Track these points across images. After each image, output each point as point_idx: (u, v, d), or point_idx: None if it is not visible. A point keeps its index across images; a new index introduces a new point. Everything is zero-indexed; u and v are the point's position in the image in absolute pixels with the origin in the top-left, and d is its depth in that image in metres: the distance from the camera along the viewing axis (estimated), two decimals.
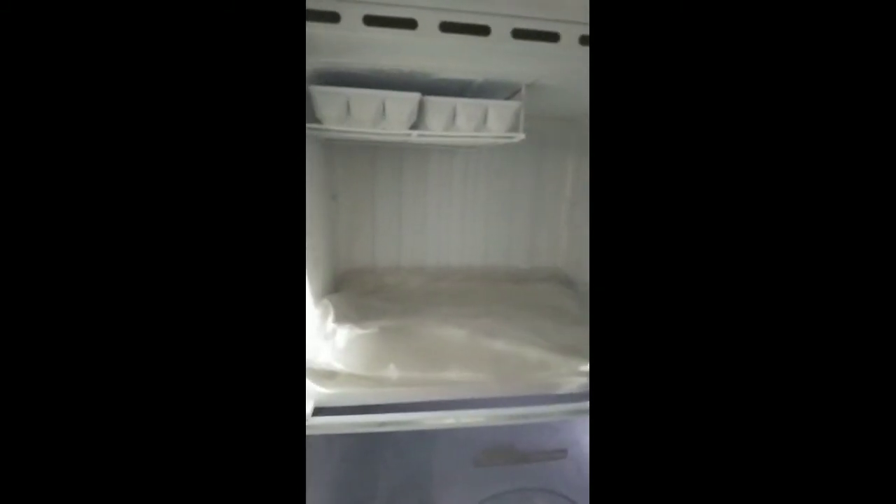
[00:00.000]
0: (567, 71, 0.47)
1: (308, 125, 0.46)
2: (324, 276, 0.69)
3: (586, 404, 0.51)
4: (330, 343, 0.50)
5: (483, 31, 0.39)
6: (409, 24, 0.37)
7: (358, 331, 0.55)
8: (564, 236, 0.86)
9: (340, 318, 0.58)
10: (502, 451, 0.49)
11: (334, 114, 0.46)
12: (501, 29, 0.39)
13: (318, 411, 0.46)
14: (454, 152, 0.80)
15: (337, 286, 0.77)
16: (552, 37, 0.40)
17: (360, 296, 0.72)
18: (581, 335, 0.59)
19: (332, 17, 0.37)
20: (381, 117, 0.47)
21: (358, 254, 0.82)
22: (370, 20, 0.37)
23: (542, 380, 0.51)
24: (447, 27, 0.38)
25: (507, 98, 0.53)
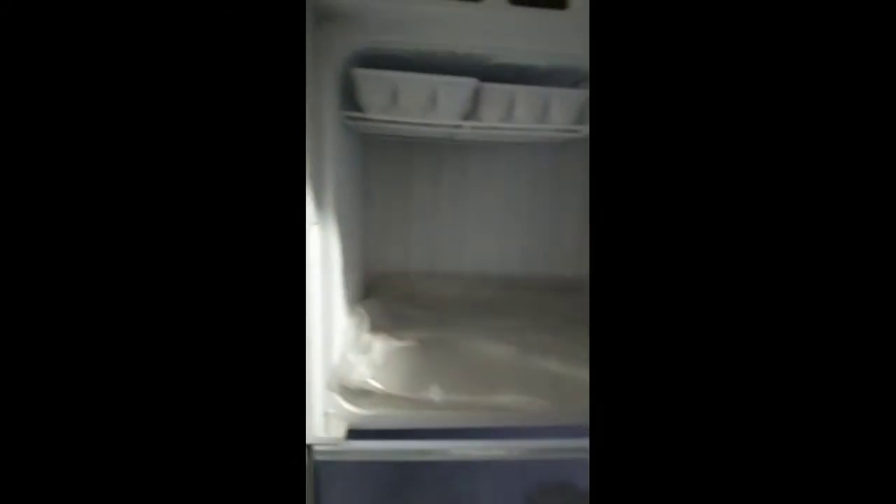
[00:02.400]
0: None
1: (349, 114, 0.41)
2: (356, 282, 0.65)
3: None
4: (366, 358, 0.45)
5: (560, 2, 0.33)
6: None
7: (395, 343, 0.49)
8: None
9: (375, 328, 0.53)
10: (561, 490, 0.43)
11: (379, 100, 0.41)
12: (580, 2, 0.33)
13: (352, 434, 0.41)
14: (496, 150, 0.74)
15: (367, 291, 0.72)
16: None
17: (392, 302, 0.67)
18: None
19: None
20: (432, 106, 0.42)
21: (391, 257, 0.77)
22: None
23: (571, 412, 0.44)
24: None
25: (571, 86, 0.47)
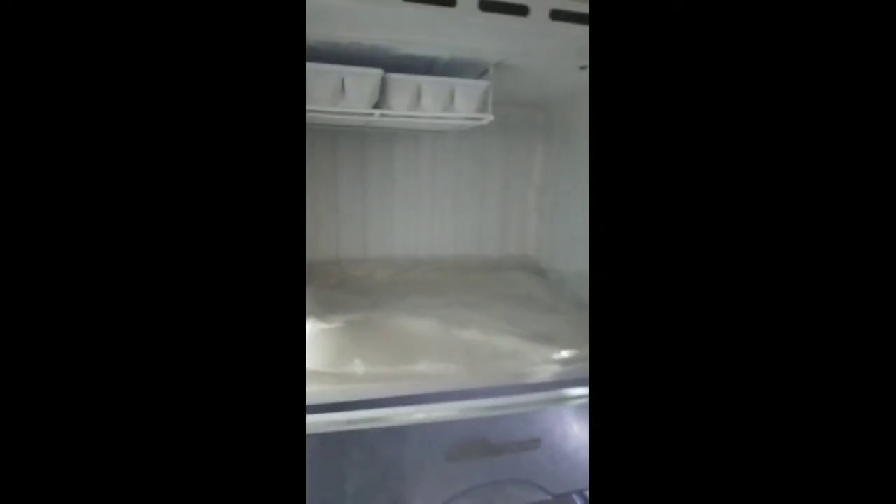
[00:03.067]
0: (536, 49, 0.45)
1: None
2: None
3: (559, 393, 0.50)
4: None
5: (449, 1, 0.36)
6: None
7: (322, 325, 0.51)
8: (534, 224, 0.85)
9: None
10: (475, 445, 0.48)
11: None
12: (468, 0, 0.37)
13: None
14: (420, 138, 0.77)
15: None
16: (521, 10, 0.38)
17: (324, 289, 0.69)
18: (553, 323, 0.58)
19: None
20: (341, 95, 0.44)
21: (322, 246, 0.78)
22: None
23: (514, 369, 0.49)
24: None
25: (475, 79, 0.50)
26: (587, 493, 0.69)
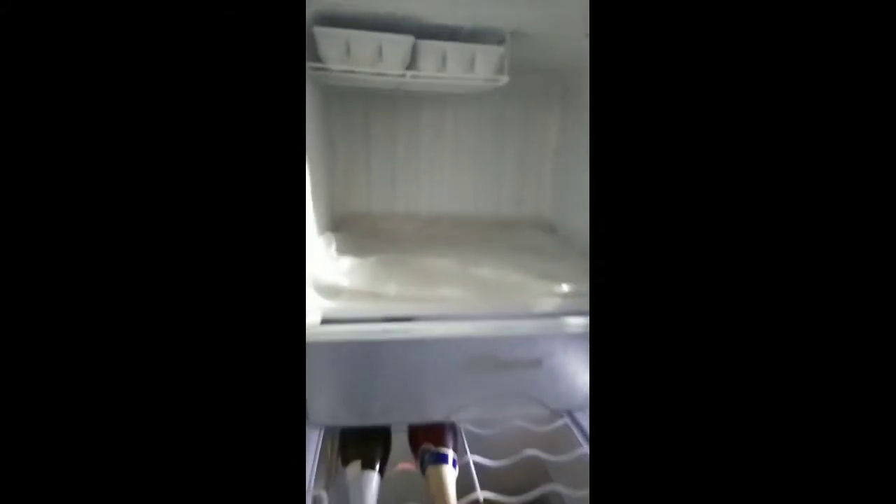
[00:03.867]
0: (549, 18, 0.51)
1: (312, 65, 0.50)
2: (324, 217, 0.75)
3: (559, 321, 0.58)
4: (335, 266, 0.56)
5: None
6: None
7: (359, 260, 0.61)
8: (549, 185, 0.92)
9: (342, 251, 0.64)
10: (486, 360, 0.57)
11: (335, 54, 0.50)
12: None
13: (325, 322, 0.53)
14: (444, 103, 0.84)
15: (335, 229, 0.82)
16: None
17: (357, 237, 0.78)
18: (556, 267, 0.66)
19: None
20: (378, 59, 0.52)
21: (354, 200, 0.87)
22: None
23: (520, 300, 0.58)
24: None
25: (497, 44, 0.57)
26: (579, 415, 0.79)
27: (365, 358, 0.55)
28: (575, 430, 0.87)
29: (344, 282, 0.54)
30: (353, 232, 0.81)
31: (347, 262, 0.59)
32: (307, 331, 0.52)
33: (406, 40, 0.50)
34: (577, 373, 0.63)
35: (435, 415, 0.60)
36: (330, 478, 0.71)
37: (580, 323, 0.59)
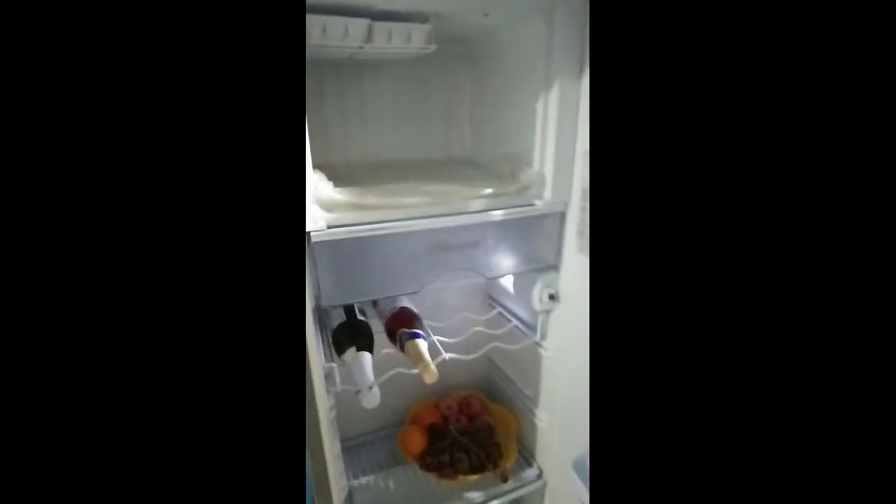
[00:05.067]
0: (457, 4, 0.76)
1: None
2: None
3: (487, 214, 0.87)
4: (329, 186, 0.78)
5: None
6: None
7: (337, 185, 0.84)
8: (468, 130, 1.20)
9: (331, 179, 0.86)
10: (440, 246, 0.84)
11: (315, 33, 0.71)
12: None
13: (329, 227, 0.76)
14: (381, 68, 1.06)
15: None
16: None
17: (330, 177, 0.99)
18: (479, 181, 0.93)
19: None
20: (346, 35, 0.73)
21: (315, 154, 1.06)
22: None
23: (459, 202, 0.85)
24: None
25: (424, 22, 0.81)
26: (509, 304, 1.12)
27: (357, 251, 0.79)
28: (504, 313, 1.21)
29: (339, 197, 0.77)
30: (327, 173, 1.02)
31: (337, 187, 0.81)
32: (316, 234, 0.75)
33: (364, 22, 0.72)
34: (500, 250, 0.93)
35: (408, 288, 0.86)
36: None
37: (500, 214, 0.88)
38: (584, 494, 0.85)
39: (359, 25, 0.73)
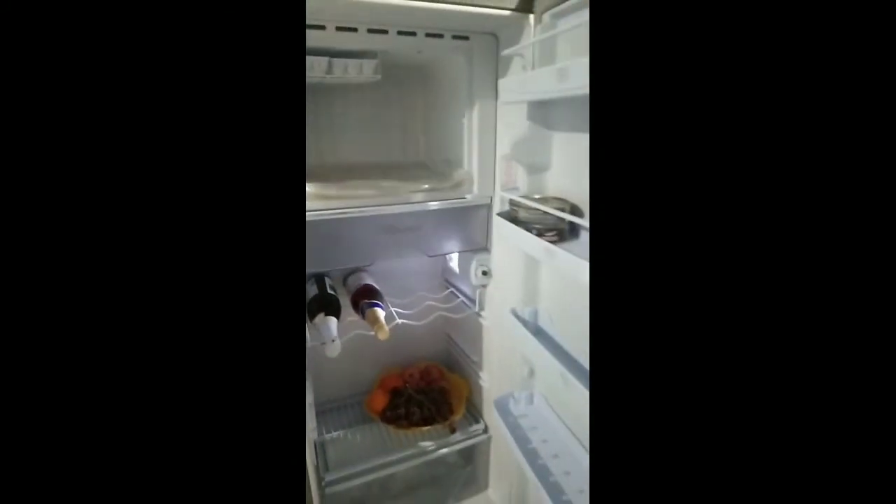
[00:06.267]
0: (395, 46, 1.02)
1: None
2: None
3: (425, 205, 1.11)
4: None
5: (352, 30, 0.92)
6: (321, 27, 0.89)
7: (314, 181, 1.08)
8: (421, 140, 1.45)
9: None
10: (392, 228, 1.07)
11: None
12: (363, 29, 0.92)
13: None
14: (347, 89, 1.31)
15: None
16: (383, 31, 0.95)
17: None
18: (423, 179, 1.18)
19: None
20: (311, 68, 0.98)
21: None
22: (308, 26, 0.88)
23: (404, 194, 1.09)
24: (340, 28, 0.91)
25: (373, 58, 1.06)
26: (459, 284, 1.36)
27: (323, 231, 1.02)
28: (455, 291, 1.45)
29: (309, 189, 1.01)
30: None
31: (309, 182, 1.05)
32: None
33: (324, 59, 0.97)
34: (439, 233, 1.17)
35: (364, 261, 1.10)
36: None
37: (436, 204, 1.12)
38: (505, 430, 1.07)
39: (321, 61, 0.98)
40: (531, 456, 0.96)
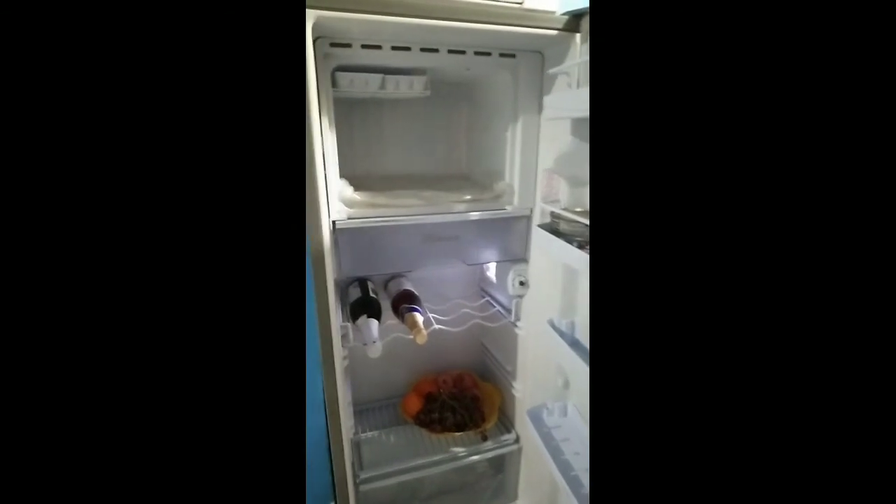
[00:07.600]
0: (445, 63, 1.07)
1: (334, 89, 1.03)
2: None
3: (466, 215, 1.15)
4: (350, 189, 1.09)
5: (406, 49, 0.98)
6: (377, 47, 0.96)
7: (361, 190, 1.14)
8: (464, 153, 1.49)
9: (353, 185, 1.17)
10: (430, 237, 1.12)
11: (345, 83, 1.03)
12: (416, 48, 0.98)
13: (350, 219, 1.06)
14: (398, 104, 1.38)
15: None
16: (434, 50, 1.00)
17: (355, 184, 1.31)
18: (464, 190, 1.22)
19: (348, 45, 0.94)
20: (366, 84, 1.05)
21: (345, 168, 1.39)
22: (365, 46, 0.95)
23: (445, 204, 1.14)
24: (395, 48, 0.97)
25: (423, 75, 1.12)
26: (496, 294, 1.38)
27: (369, 237, 1.08)
28: (490, 300, 1.47)
29: (357, 197, 1.07)
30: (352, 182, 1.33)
31: (357, 190, 1.12)
32: (340, 223, 1.05)
33: (378, 76, 1.04)
34: (478, 243, 1.20)
35: (406, 267, 1.14)
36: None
37: (477, 215, 1.16)
38: (538, 441, 1.08)
39: (375, 78, 1.05)
40: (564, 467, 0.96)
